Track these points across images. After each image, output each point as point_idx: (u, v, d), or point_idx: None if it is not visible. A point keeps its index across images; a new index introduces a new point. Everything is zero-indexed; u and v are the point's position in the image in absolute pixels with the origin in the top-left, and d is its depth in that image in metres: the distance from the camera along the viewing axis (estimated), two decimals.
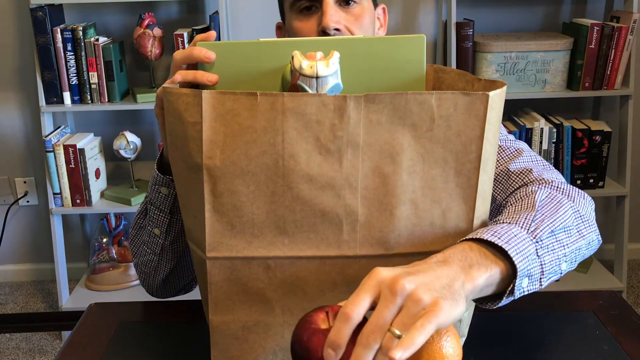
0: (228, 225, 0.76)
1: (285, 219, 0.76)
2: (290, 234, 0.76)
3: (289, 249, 0.77)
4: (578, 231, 0.85)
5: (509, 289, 0.75)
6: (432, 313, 0.64)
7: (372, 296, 0.66)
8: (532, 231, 0.79)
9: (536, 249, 0.77)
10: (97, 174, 2.45)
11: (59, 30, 2.27)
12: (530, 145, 2.40)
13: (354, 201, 0.75)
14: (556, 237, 0.81)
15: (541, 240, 0.79)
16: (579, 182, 2.45)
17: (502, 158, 1.03)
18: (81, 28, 2.28)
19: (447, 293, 0.67)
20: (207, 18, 2.48)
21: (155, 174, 0.96)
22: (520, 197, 0.89)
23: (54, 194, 2.39)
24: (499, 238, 0.74)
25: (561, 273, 0.82)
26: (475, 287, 0.71)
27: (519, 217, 0.81)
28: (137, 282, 2.49)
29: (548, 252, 0.79)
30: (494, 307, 0.77)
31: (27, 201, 2.74)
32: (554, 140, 2.40)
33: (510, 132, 2.38)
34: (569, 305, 1.03)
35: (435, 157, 0.75)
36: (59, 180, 2.37)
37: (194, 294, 0.96)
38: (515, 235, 0.76)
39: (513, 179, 1.00)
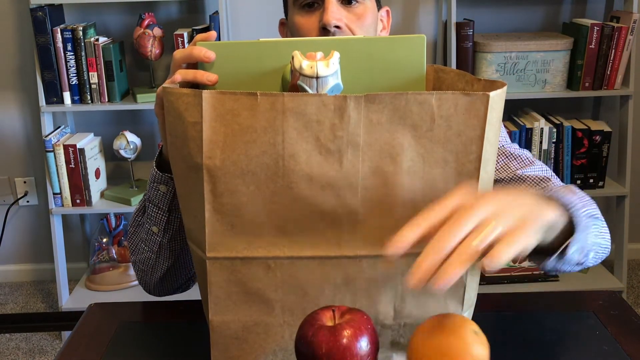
0: (228, 225, 0.76)
1: (286, 219, 0.76)
2: (290, 234, 0.76)
3: (289, 249, 0.77)
4: (603, 226, 0.90)
5: (562, 248, 0.78)
6: (519, 232, 0.63)
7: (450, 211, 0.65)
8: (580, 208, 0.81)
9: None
10: (97, 174, 2.45)
11: (59, 30, 2.27)
12: (530, 145, 2.40)
13: (354, 201, 0.75)
14: (594, 222, 0.85)
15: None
16: (579, 182, 2.45)
17: (515, 165, 1.05)
18: (81, 28, 2.28)
19: (528, 220, 0.67)
20: (207, 18, 2.48)
21: (154, 171, 0.96)
22: (554, 189, 0.92)
23: (54, 194, 2.39)
24: (563, 199, 0.79)
25: (585, 262, 0.85)
26: (546, 222, 0.72)
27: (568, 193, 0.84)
28: (137, 282, 2.48)
29: (590, 233, 0.83)
30: (541, 267, 0.81)
31: (27, 201, 2.73)
32: (554, 140, 2.40)
33: (510, 132, 2.38)
34: (569, 305, 1.03)
35: (435, 157, 0.75)
36: (59, 180, 2.37)
37: (194, 294, 0.96)
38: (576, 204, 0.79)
39: (528, 182, 1.01)
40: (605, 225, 0.94)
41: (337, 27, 1.05)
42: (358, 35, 1.07)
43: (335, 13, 1.05)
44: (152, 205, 0.98)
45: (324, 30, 1.05)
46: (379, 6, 1.15)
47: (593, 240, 0.85)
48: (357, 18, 1.08)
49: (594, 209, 0.88)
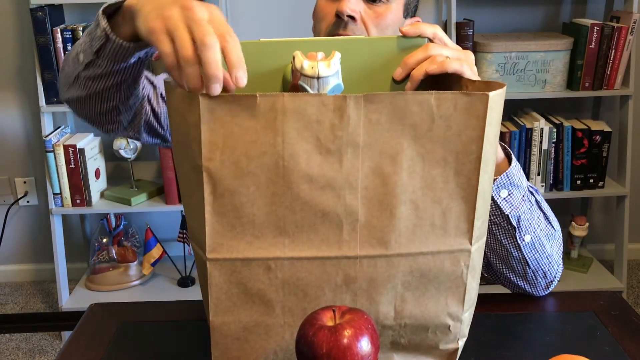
0: (228, 226, 0.76)
1: (286, 220, 0.76)
2: (290, 235, 0.76)
3: (290, 249, 0.77)
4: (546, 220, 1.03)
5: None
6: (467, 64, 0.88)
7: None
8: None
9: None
10: (97, 174, 2.45)
11: (59, 30, 2.27)
12: (530, 145, 2.40)
13: (354, 201, 0.75)
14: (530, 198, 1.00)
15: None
16: (579, 182, 2.45)
17: None
18: (81, 28, 2.28)
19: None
20: None
21: (103, 19, 0.87)
22: None
23: (54, 194, 2.39)
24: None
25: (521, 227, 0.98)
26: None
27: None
28: (137, 282, 2.47)
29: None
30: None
31: (27, 201, 2.73)
32: (554, 140, 2.40)
33: (510, 132, 2.38)
34: (569, 305, 1.03)
35: (435, 157, 0.75)
36: (59, 180, 2.37)
37: (195, 294, 0.96)
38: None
39: None
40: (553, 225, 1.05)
41: (352, 17, 1.04)
42: (372, 33, 1.06)
43: (352, 3, 1.04)
44: (87, 37, 0.92)
45: (338, 18, 1.05)
46: (409, 14, 1.14)
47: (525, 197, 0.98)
48: (376, 16, 1.07)
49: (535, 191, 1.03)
